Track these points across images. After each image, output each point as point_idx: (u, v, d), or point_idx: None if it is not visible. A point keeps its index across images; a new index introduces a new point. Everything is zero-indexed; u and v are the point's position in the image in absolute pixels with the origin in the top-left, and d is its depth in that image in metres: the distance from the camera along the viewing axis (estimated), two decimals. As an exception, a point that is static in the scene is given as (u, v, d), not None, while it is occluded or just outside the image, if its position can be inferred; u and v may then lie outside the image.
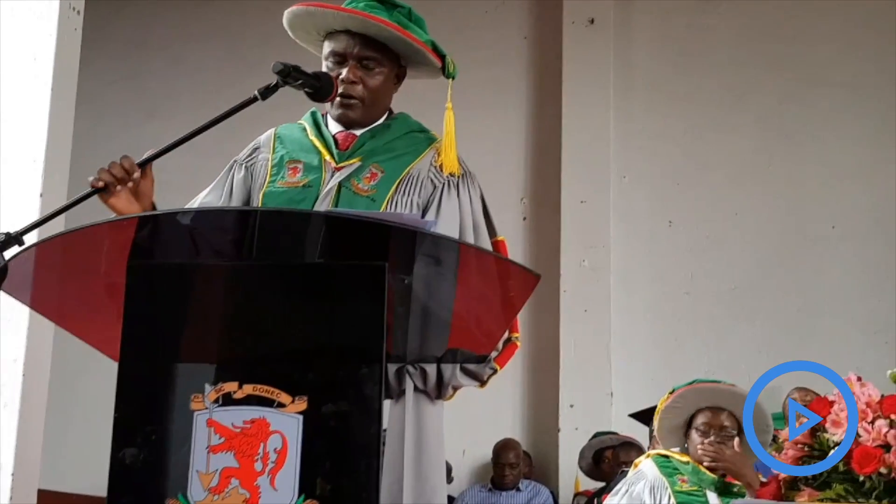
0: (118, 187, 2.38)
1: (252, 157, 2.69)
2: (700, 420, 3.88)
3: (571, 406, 6.36)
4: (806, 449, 2.18)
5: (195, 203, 2.66)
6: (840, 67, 6.69)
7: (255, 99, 2.40)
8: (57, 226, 2.42)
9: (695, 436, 3.88)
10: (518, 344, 2.52)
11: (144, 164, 2.41)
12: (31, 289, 2.29)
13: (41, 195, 4.11)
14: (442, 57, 2.67)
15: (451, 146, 2.63)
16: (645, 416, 4.95)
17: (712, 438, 3.83)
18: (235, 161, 2.71)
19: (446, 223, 2.52)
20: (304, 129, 2.68)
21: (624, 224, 6.61)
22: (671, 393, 4.01)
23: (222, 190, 2.67)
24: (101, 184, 2.37)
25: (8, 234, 2.14)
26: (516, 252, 6.65)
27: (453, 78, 2.69)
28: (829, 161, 6.60)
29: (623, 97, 6.71)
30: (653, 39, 6.83)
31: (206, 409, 1.99)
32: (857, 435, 2.07)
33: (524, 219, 6.74)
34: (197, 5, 7.07)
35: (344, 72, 2.58)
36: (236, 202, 2.61)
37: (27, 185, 4.14)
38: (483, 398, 6.39)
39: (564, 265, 6.50)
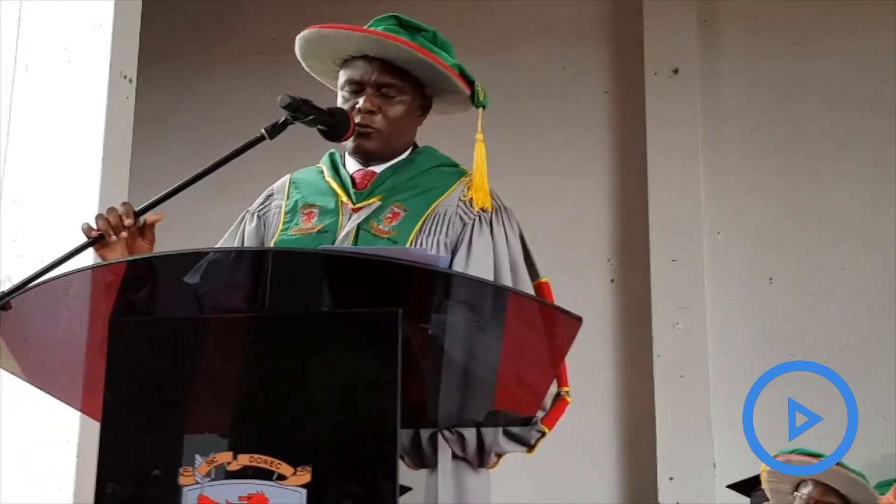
0: (113, 238, 2.16)
1: (265, 206, 2.45)
2: (805, 491, 3.56)
3: (671, 479, 5.95)
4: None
5: None
6: (949, 107, 6.28)
7: (262, 138, 2.18)
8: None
9: None
10: (569, 399, 2.20)
11: (141, 213, 2.19)
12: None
13: (93, 270, 3.95)
14: (471, 83, 2.40)
15: (483, 180, 2.33)
16: (744, 487, 4.59)
17: None
18: (247, 212, 2.47)
19: (478, 264, 2.22)
20: (322, 172, 2.43)
21: (719, 283, 6.21)
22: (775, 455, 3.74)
23: (233, 243, 2.43)
24: (93, 232, 2.16)
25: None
26: (605, 315, 6.32)
27: (484, 107, 2.41)
28: (942, 208, 6.16)
29: (713, 149, 6.36)
30: (742, 87, 6.47)
31: (198, 483, 1.73)
32: None
33: (612, 280, 6.39)
34: (261, 81, 6.94)
35: (360, 101, 2.33)
36: None
37: (78, 262, 3.99)
38: (574, 473, 6.06)
39: (657, 328, 6.12)
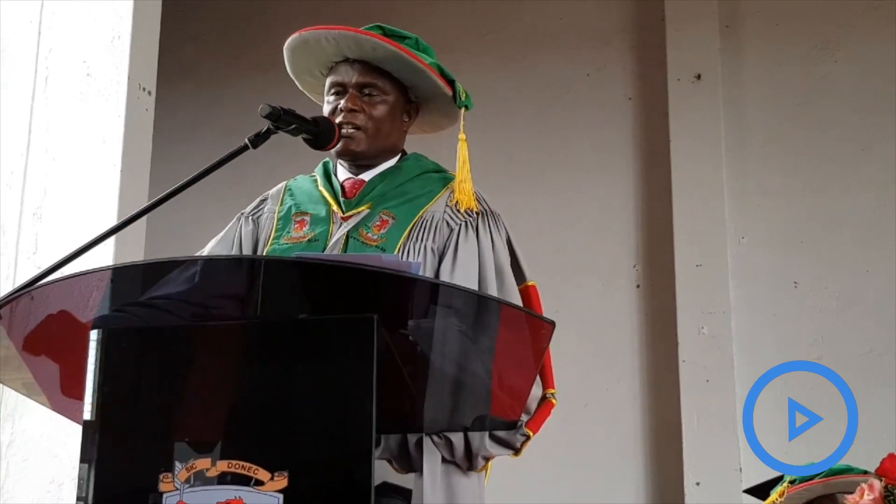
0: None
1: (258, 209, 2.49)
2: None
3: (698, 484, 5.93)
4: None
5: (204, 252, 2.47)
6: (975, 108, 6.22)
7: (245, 147, 2.21)
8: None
9: None
10: (555, 402, 2.22)
11: (127, 224, 2.24)
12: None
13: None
14: (451, 83, 2.42)
15: (466, 180, 2.35)
16: (760, 491, 4.54)
17: None
18: (241, 214, 2.52)
19: (464, 269, 2.25)
20: (315, 180, 2.47)
21: (744, 287, 6.19)
22: (791, 483, 3.67)
23: (230, 243, 2.47)
24: None
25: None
26: (631, 321, 6.31)
27: (467, 108, 2.43)
28: (967, 211, 6.10)
29: (736, 154, 6.34)
30: (766, 92, 6.44)
31: (177, 490, 1.76)
32: None
33: (637, 286, 6.38)
34: (288, 93, 6.98)
35: (342, 102, 2.37)
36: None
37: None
38: (601, 478, 6.05)
39: (682, 333, 6.09)
